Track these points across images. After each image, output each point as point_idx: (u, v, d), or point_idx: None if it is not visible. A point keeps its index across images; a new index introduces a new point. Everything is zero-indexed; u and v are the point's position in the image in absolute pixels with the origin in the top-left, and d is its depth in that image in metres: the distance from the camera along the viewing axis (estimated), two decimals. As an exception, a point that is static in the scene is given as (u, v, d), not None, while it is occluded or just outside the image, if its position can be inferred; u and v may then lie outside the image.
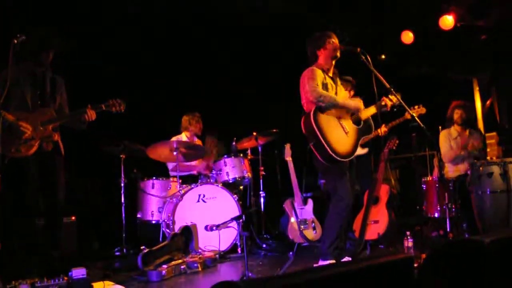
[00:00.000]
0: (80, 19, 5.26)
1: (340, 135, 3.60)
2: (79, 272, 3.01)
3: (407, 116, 4.89)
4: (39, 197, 3.95)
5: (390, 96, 3.77)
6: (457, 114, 5.29)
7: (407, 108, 3.48)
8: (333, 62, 3.78)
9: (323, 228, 4.11)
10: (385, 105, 3.76)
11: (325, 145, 3.47)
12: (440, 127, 5.44)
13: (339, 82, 3.89)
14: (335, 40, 3.73)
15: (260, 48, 6.37)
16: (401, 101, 3.53)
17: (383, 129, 4.72)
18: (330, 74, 3.79)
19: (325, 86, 3.69)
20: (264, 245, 4.80)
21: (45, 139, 3.63)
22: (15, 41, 3.36)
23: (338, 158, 3.50)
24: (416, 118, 3.43)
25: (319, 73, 3.68)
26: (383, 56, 6.99)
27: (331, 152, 3.47)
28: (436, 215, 5.10)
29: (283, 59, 6.31)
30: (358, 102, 3.73)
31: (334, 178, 3.64)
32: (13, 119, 3.49)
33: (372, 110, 3.76)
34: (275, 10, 5.91)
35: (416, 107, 4.41)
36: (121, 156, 4.97)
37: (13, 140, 3.50)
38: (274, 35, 6.21)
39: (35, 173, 3.65)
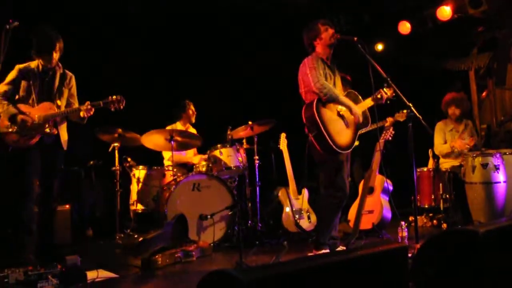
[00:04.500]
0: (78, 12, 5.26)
1: (340, 127, 3.59)
2: (72, 261, 3.00)
3: (397, 117, 4.90)
4: (36, 186, 3.98)
5: (385, 88, 3.75)
6: (450, 111, 5.30)
7: (404, 98, 3.46)
8: (331, 50, 3.74)
9: (318, 218, 4.12)
10: (381, 97, 3.74)
11: (327, 136, 3.45)
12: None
13: (337, 72, 3.85)
14: (329, 27, 3.69)
15: (257, 35, 6.33)
16: (398, 91, 3.51)
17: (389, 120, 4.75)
18: (329, 63, 3.75)
19: (325, 76, 3.66)
20: (258, 234, 4.79)
21: (46, 132, 3.70)
22: (7, 27, 3.34)
23: (339, 150, 3.50)
24: (413, 109, 3.42)
25: (320, 63, 3.65)
26: (380, 47, 6.96)
27: (332, 144, 3.46)
28: (430, 205, 5.13)
29: (279, 47, 6.27)
30: (358, 108, 3.68)
31: (332, 169, 3.63)
32: (15, 111, 3.65)
33: (368, 102, 3.74)
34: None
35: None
36: (116, 144, 4.94)
37: (16, 131, 3.64)
38: (271, 23, 6.17)
39: (36, 163, 3.71)
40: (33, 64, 3.80)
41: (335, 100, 3.58)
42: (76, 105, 3.93)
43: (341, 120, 3.62)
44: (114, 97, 3.80)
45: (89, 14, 5.48)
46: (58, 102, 3.85)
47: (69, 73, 3.97)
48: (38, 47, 3.72)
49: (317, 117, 3.48)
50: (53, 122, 3.77)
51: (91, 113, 3.78)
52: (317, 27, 3.71)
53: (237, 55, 6.51)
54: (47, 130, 3.70)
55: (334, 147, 3.47)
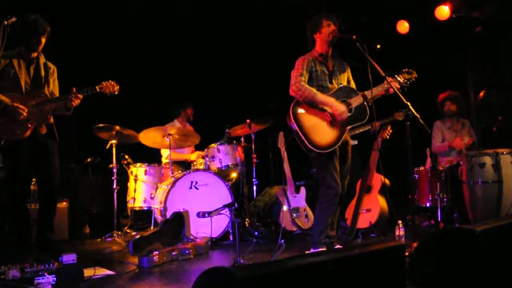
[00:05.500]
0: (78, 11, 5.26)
1: (321, 126, 3.55)
2: (69, 258, 2.99)
3: (397, 116, 4.90)
4: (31, 180, 3.95)
5: (399, 75, 3.69)
6: (445, 107, 5.34)
7: (401, 97, 3.46)
8: (330, 47, 3.72)
9: (314, 216, 4.12)
10: (387, 88, 3.67)
11: (303, 138, 3.46)
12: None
13: (337, 66, 3.77)
14: (332, 24, 3.65)
15: (254, 34, 6.33)
16: (396, 90, 3.51)
17: (375, 125, 4.72)
18: (321, 59, 3.70)
19: (315, 74, 3.64)
20: (256, 233, 4.80)
21: (41, 121, 3.62)
22: (6, 22, 3.32)
23: (317, 150, 3.48)
24: (411, 107, 3.42)
25: (307, 62, 3.63)
26: (378, 46, 6.96)
27: (309, 145, 3.46)
28: (427, 204, 5.13)
29: (279, 46, 6.27)
30: (341, 105, 3.55)
31: (321, 167, 3.62)
32: (7, 101, 3.49)
33: (358, 99, 3.67)
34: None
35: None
36: (113, 141, 4.93)
37: (8, 123, 3.51)
38: (270, 22, 6.17)
39: (29, 157, 3.65)
40: (15, 52, 3.65)
41: (312, 101, 3.53)
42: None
43: (324, 118, 3.57)
44: (108, 82, 3.81)
45: (89, 13, 5.47)
46: (47, 91, 3.74)
47: (51, 64, 3.86)
48: (27, 31, 3.59)
49: (292, 119, 3.50)
50: (47, 110, 3.68)
51: (78, 101, 3.69)
52: (320, 21, 3.67)
53: (236, 55, 6.50)
54: (50, 120, 3.63)
55: (312, 148, 3.46)
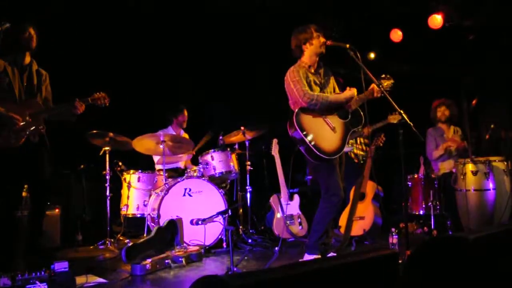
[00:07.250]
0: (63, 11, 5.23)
1: (326, 133, 3.58)
2: (61, 265, 2.96)
3: (391, 119, 4.91)
4: (22, 188, 3.92)
5: (382, 80, 3.73)
6: (439, 112, 5.38)
7: (394, 104, 3.48)
8: (317, 58, 3.73)
9: (311, 222, 4.12)
10: (372, 91, 3.67)
11: (312, 147, 3.47)
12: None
13: (323, 75, 3.79)
14: (321, 36, 3.67)
15: (248, 41, 6.34)
16: (389, 98, 3.53)
17: (366, 130, 4.73)
18: (312, 71, 3.73)
19: (308, 85, 3.66)
20: (249, 240, 4.79)
21: (34, 130, 3.62)
22: (0, 28, 3.31)
23: (327, 157, 3.50)
24: (404, 115, 3.44)
25: (302, 73, 3.64)
26: (372, 55, 7.00)
27: (318, 153, 3.47)
28: (421, 212, 5.14)
29: (271, 53, 6.28)
30: (349, 92, 3.66)
31: (325, 174, 3.64)
32: (3, 110, 3.50)
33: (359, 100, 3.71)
34: (264, 4, 5.89)
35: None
36: (107, 148, 4.92)
37: (3, 131, 3.49)
38: (263, 28, 6.19)
39: (20, 165, 3.63)
40: (8, 59, 3.64)
41: (327, 104, 3.57)
42: (51, 104, 3.85)
43: (326, 125, 3.61)
44: (99, 94, 3.84)
45: (82, 19, 5.46)
46: (40, 99, 3.74)
47: (44, 71, 3.86)
48: (18, 40, 3.59)
49: (298, 130, 3.51)
50: (44, 119, 3.68)
51: (83, 109, 3.74)
52: (310, 31, 3.66)
53: (231, 60, 6.51)
54: (43, 129, 3.64)
55: (321, 155, 3.48)
